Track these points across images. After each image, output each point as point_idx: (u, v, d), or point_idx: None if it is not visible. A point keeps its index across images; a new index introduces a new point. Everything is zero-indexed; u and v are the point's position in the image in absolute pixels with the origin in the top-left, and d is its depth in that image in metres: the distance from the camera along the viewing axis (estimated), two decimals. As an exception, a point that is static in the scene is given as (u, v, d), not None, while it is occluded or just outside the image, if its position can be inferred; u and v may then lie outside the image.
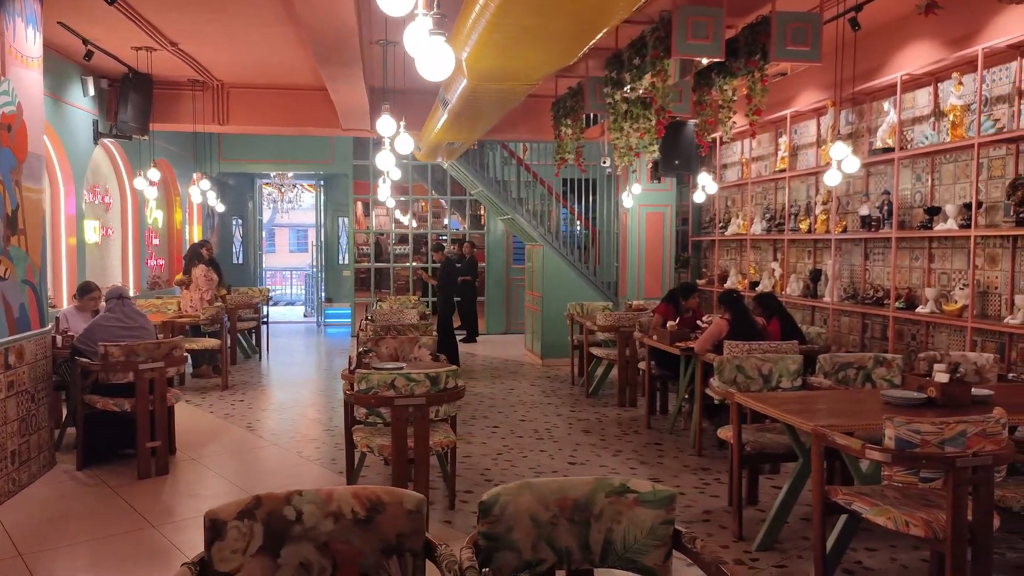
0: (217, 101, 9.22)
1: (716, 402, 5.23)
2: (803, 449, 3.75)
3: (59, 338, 5.51)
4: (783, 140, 8.05)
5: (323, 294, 15.47)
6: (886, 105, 6.54)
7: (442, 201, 14.19)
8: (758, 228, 8.59)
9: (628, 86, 5.40)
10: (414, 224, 13.94)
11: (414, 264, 13.54)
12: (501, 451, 5.76)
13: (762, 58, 4.88)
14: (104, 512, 4.43)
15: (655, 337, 6.44)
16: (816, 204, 7.54)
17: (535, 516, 2.07)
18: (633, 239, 10.15)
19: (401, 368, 4.43)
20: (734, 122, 5.69)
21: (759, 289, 8.10)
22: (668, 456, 5.64)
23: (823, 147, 7.25)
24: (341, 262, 16.72)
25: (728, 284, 9.08)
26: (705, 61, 5.39)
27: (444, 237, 13.90)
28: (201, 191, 10.68)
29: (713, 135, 6.48)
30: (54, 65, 7.32)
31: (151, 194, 9.47)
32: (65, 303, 7.64)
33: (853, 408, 3.75)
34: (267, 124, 9.61)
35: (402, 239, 14.32)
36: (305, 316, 16.58)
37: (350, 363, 5.01)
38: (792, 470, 3.95)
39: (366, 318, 7.76)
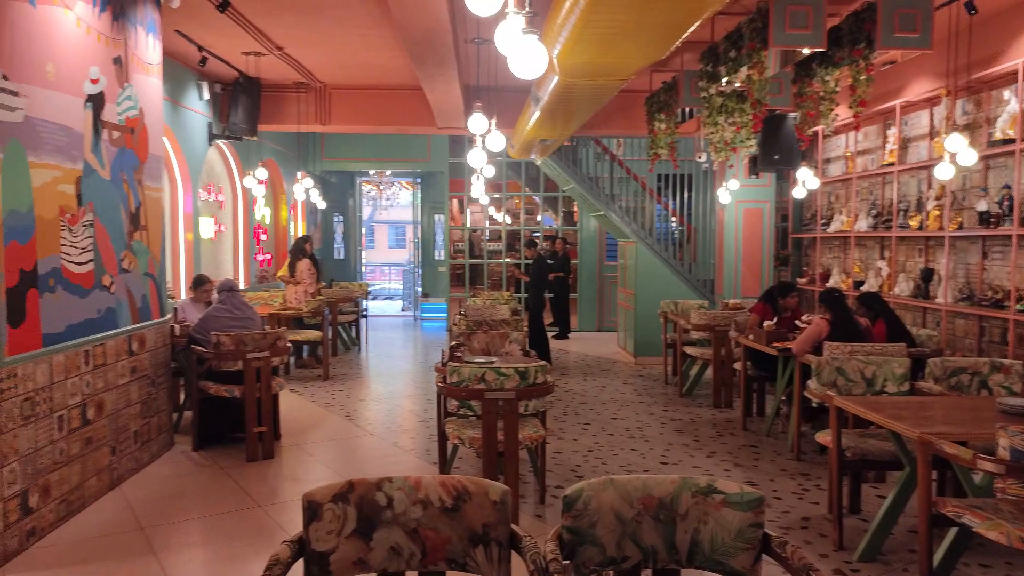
0: (320, 102, 9.60)
1: (815, 405, 5.05)
2: (909, 457, 3.58)
3: (177, 327, 5.89)
4: (892, 132, 7.65)
5: (420, 289, 15.83)
6: (1006, 93, 6.11)
7: (535, 198, 14.25)
8: (863, 225, 8.20)
9: (724, 79, 5.27)
10: (508, 221, 14.06)
11: (507, 261, 13.67)
12: (592, 448, 5.75)
13: (867, 47, 4.65)
14: (216, 491, 4.72)
15: (751, 337, 6.27)
16: (928, 199, 7.13)
17: (619, 513, 2.06)
18: (730, 236, 9.90)
19: (492, 362, 4.50)
20: (836, 114, 5.45)
21: (863, 289, 7.74)
22: (764, 459, 5.49)
23: (936, 139, 6.85)
24: (437, 258, 17.07)
25: (830, 283, 8.72)
26: (806, 51, 5.18)
27: (537, 234, 13.96)
28: (304, 189, 11.14)
29: (814, 128, 6.23)
30: (172, 71, 7.81)
31: (259, 192, 9.96)
32: (183, 295, 8.15)
33: (965, 416, 3.55)
34: (366, 124, 9.93)
35: (496, 236, 14.49)
36: (403, 310, 17.05)
37: (443, 356, 5.13)
38: (898, 479, 3.77)
39: (459, 313, 7.90)
